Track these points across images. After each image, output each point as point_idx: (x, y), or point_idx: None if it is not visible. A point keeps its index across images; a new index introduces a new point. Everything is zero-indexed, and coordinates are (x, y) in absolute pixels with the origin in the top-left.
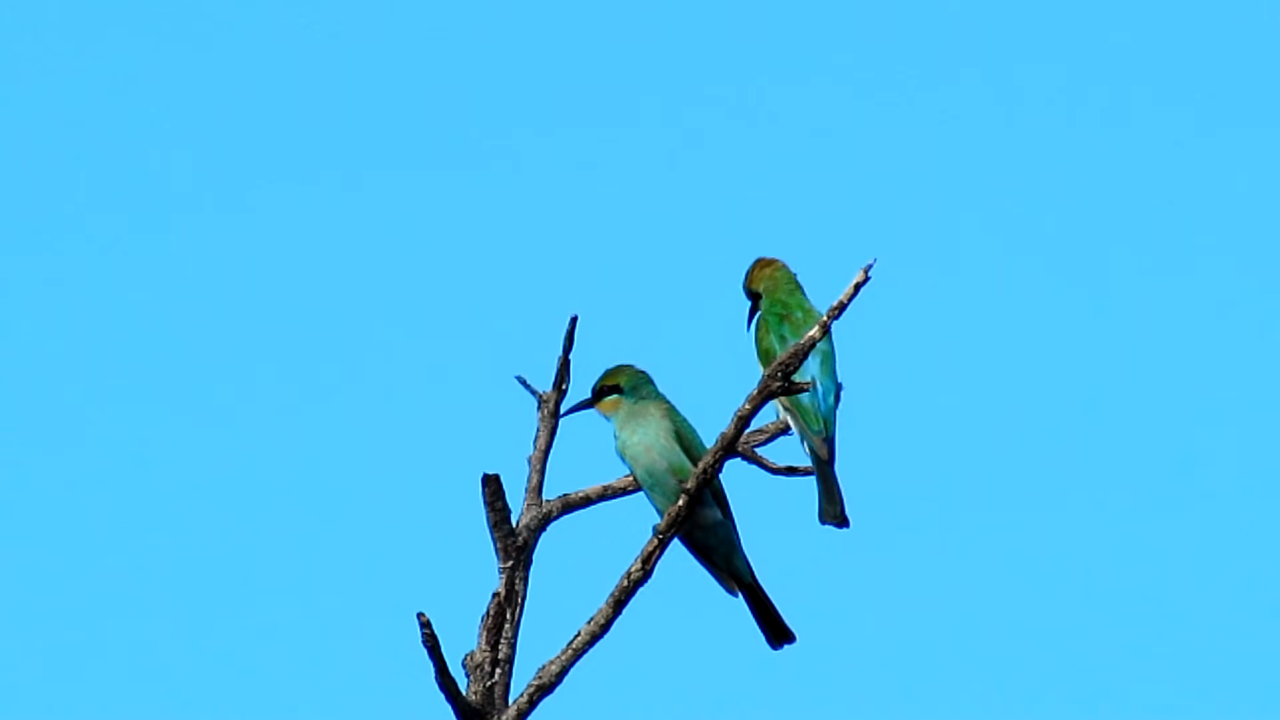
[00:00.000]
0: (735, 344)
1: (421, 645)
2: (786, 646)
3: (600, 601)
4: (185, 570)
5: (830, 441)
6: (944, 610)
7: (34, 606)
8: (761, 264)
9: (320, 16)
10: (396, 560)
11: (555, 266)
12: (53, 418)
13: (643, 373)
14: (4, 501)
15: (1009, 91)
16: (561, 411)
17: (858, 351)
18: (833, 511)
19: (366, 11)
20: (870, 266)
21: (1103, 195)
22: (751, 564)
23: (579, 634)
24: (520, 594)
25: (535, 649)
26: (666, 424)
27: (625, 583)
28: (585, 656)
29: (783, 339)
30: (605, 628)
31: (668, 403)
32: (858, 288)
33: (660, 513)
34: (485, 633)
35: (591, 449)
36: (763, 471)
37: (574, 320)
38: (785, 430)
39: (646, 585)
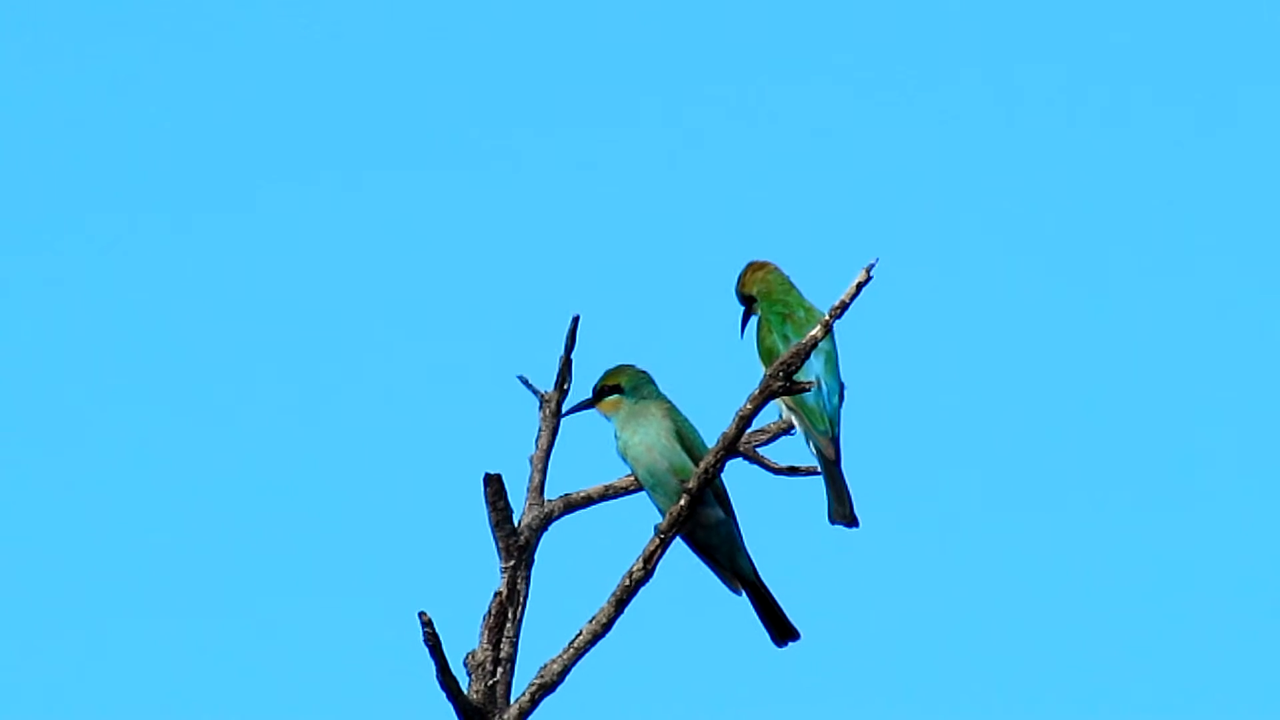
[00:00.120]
0: (736, 343)
1: (423, 644)
2: (791, 644)
3: (602, 601)
4: (186, 570)
5: (836, 441)
6: (951, 609)
7: (34, 606)
8: (754, 267)
9: (320, 16)
10: (398, 559)
11: (556, 266)
12: (53, 418)
13: (643, 373)
14: (3, 501)
15: (1009, 91)
16: (562, 411)
17: (860, 351)
18: (842, 511)
19: (366, 11)
20: (872, 266)
21: (1103, 195)
22: (755, 562)
23: (580, 633)
24: (522, 593)
25: (537, 648)
26: (667, 424)
27: (627, 582)
28: (587, 656)
29: (785, 338)
30: (607, 627)
31: (668, 402)
32: (860, 287)
33: (662, 512)
34: (487, 632)
35: (593, 448)
36: (765, 471)
37: (576, 320)
38: (787, 430)
39: (648, 584)
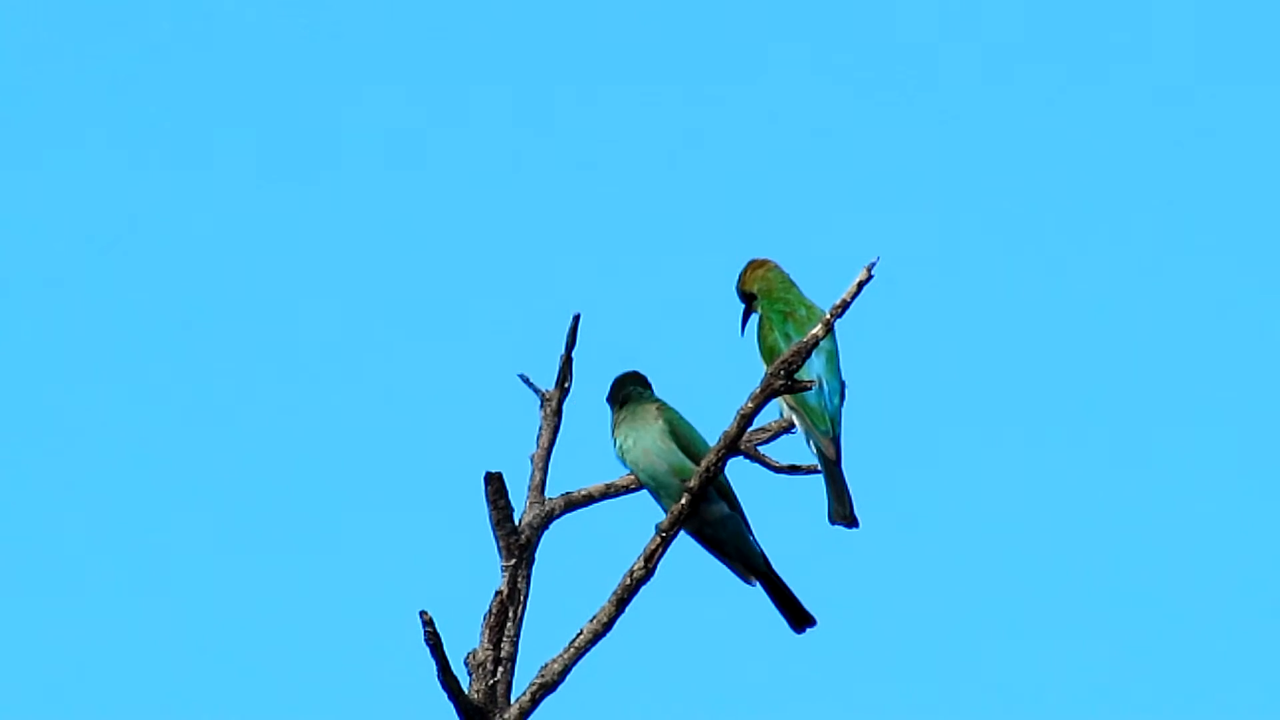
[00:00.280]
0: (737, 342)
1: (424, 643)
2: (809, 629)
3: (603, 600)
4: (187, 569)
5: (837, 441)
6: (951, 610)
7: (34, 607)
8: (754, 265)
9: (321, 16)
10: (399, 558)
11: (557, 265)
12: (53, 418)
13: (637, 376)
14: (3, 502)
15: (1009, 91)
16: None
17: (861, 350)
18: (842, 512)
19: (367, 11)
20: (873, 265)
21: (1103, 195)
22: (765, 552)
23: (581, 632)
24: (523, 592)
25: (538, 647)
26: (661, 424)
27: (628, 581)
28: (588, 655)
29: (787, 336)
30: (608, 626)
31: (660, 401)
32: (861, 286)
33: (666, 511)
34: (487, 631)
35: (594, 447)
36: (766, 470)
37: (577, 318)
38: (788, 429)
39: (649, 583)
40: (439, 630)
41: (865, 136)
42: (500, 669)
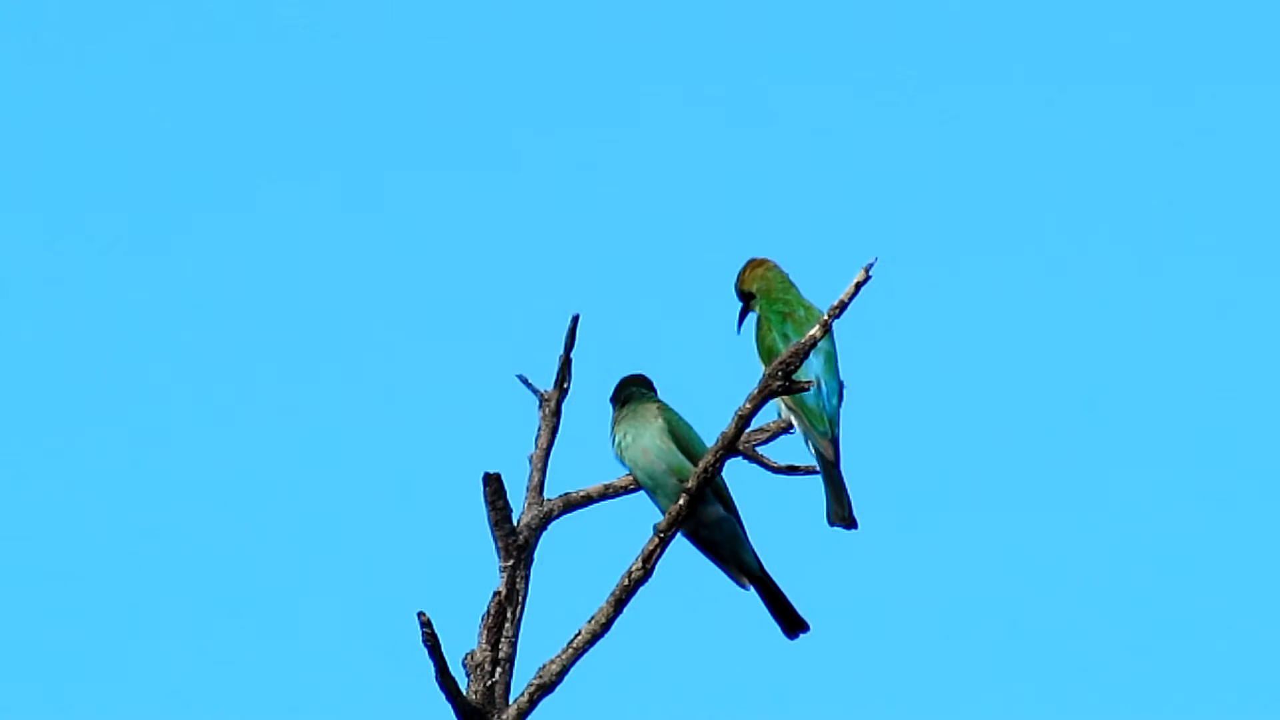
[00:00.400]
0: (735, 343)
1: (422, 644)
2: (801, 635)
3: (601, 600)
4: (186, 570)
5: (835, 442)
6: (950, 612)
7: (34, 607)
8: (754, 264)
9: (321, 16)
10: (397, 559)
11: (556, 266)
12: (53, 418)
13: (641, 379)
14: (2, 502)
15: (1008, 91)
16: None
17: (860, 351)
18: (841, 513)
19: (367, 11)
20: (871, 265)
21: (1102, 195)
22: (760, 557)
23: (580, 633)
24: (521, 593)
25: (536, 648)
26: (660, 424)
27: (626, 581)
28: (586, 656)
29: (785, 337)
30: (606, 627)
31: (660, 401)
32: (859, 287)
33: (663, 512)
34: (486, 632)
35: (593, 448)
36: (764, 470)
37: (575, 319)
38: (786, 429)
39: (647, 584)
40: (437, 631)
41: (865, 136)
42: (498, 670)
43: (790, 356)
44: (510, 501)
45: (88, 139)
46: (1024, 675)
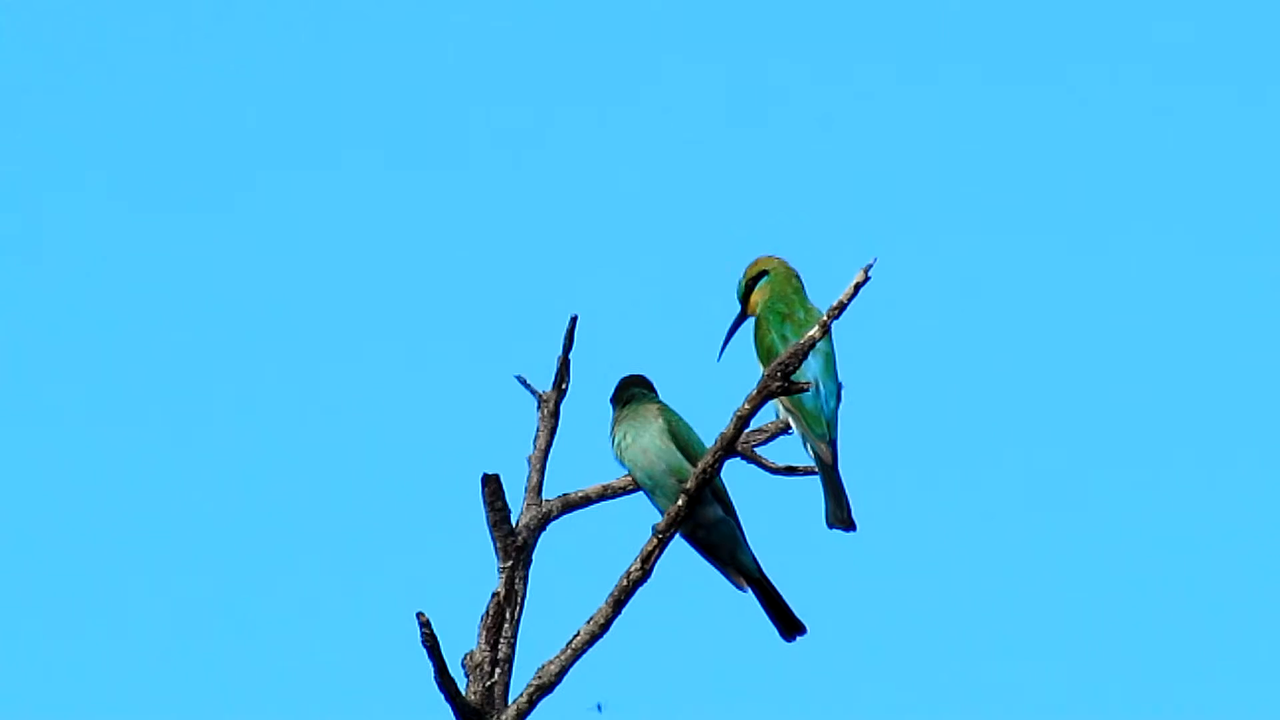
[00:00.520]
0: (735, 343)
1: (421, 645)
2: (799, 638)
3: (600, 601)
4: (185, 570)
5: (833, 444)
6: (949, 614)
7: (33, 608)
8: (761, 269)
9: (321, 15)
10: (396, 560)
11: (555, 266)
12: (51, 417)
13: (642, 380)
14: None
15: (1008, 91)
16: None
17: (858, 352)
18: (840, 515)
19: (367, 10)
20: (870, 266)
21: (1102, 195)
22: (758, 559)
23: (578, 634)
24: (520, 593)
25: (535, 649)
26: (660, 424)
27: (625, 582)
28: (584, 656)
29: (784, 338)
30: (605, 627)
31: (660, 402)
32: (858, 288)
33: (661, 513)
34: (485, 632)
35: (591, 449)
36: (762, 471)
37: (574, 320)
38: (785, 430)
39: (646, 585)
40: (436, 632)
41: (864, 136)
42: (497, 670)
43: (789, 357)
44: (509, 502)
45: (86, 137)
46: (1023, 676)
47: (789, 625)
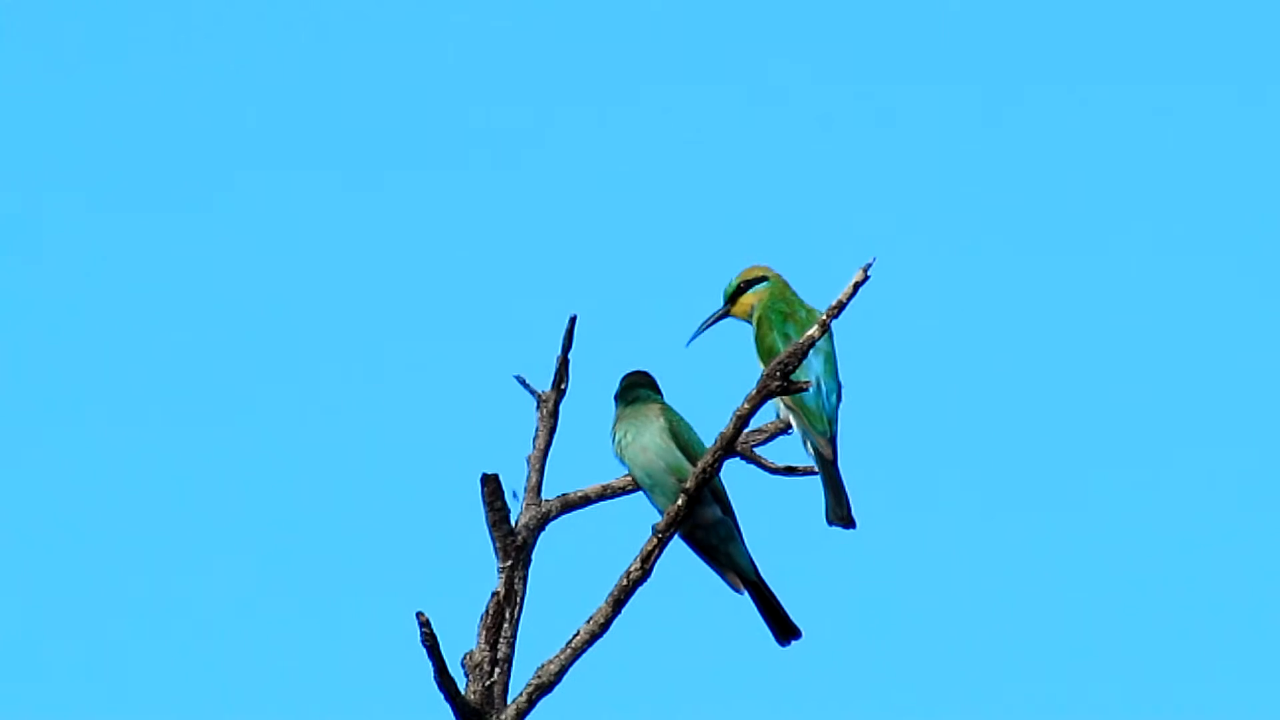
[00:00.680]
0: (734, 344)
1: (420, 645)
2: (793, 643)
3: (599, 601)
4: (184, 570)
5: (834, 441)
6: (949, 611)
7: (31, 607)
8: (752, 279)
9: (320, 15)
10: (396, 560)
11: (554, 266)
12: (49, 417)
13: (648, 379)
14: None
15: (1008, 91)
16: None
17: (858, 352)
18: (840, 513)
19: (366, 10)
20: (869, 266)
21: (1101, 195)
22: (755, 561)
23: (578, 633)
24: (519, 593)
25: (534, 648)
26: (661, 423)
27: (624, 582)
28: (584, 656)
29: (786, 337)
30: (604, 627)
31: (663, 403)
32: (857, 287)
33: (660, 512)
34: (484, 632)
35: (591, 448)
36: (762, 471)
37: (573, 320)
38: (784, 430)
39: (645, 584)
40: (436, 631)
41: (864, 136)
42: (497, 670)
43: (788, 356)
44: (508, 502)
45: (83, 136)
46: (1024, 674)
47: (784, 629)
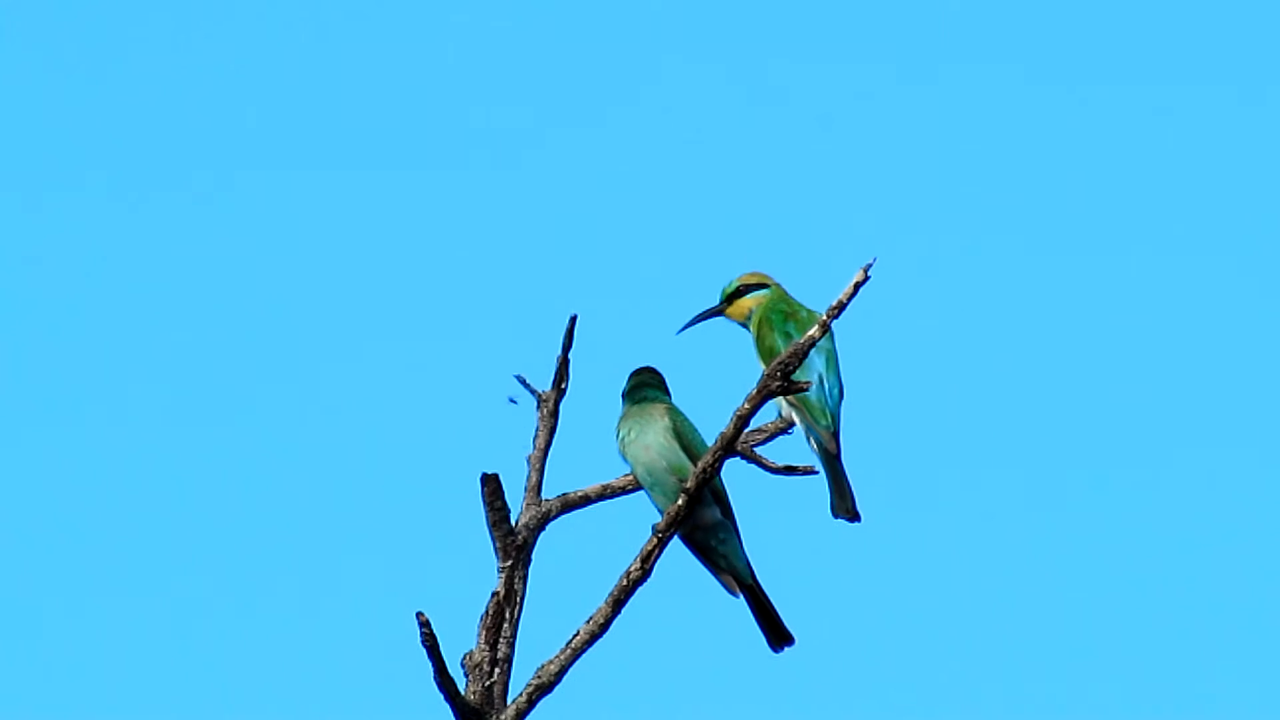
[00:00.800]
0: (733, 344)
1: (420, 645)
2: (786, 649)
3: (599, 601)
4: (184, 570)
5: (837, 435)
6: (953, 605)
7: (30, 608)
8: (750, 285)
9: (320, 14)
10: (396, 560)
11: (554, 266)
12: (48, 417)
13: (657, 379)
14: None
15: (1008, 91)
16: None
17: (859, 349)
18: (844, 506)
19: (365, 10)
20: (870, 266)
21: (1102, 194)
22: (753, 565)
23: (578, 633)
24: (519, 593)
25: (534, 648)
26: (665, 422)
27: (624, 582)
28: (584, 656)
29: (788, 336)
30: (604, 627)
31: (669, 402)
32: (857, 287)
33: (660, 512)
34: (484, 632)
35: (591, 448)
36: (762, 471)
37: (573, 319)
38: (784, 430)
39: (645, 584)
40: (435, 631)
41: (863, 136)
42: (497, 670)
43: (789, 356)
44: (508, 502)
45: (81, 135)
46: (1026, 671)
47: (778, 635)
